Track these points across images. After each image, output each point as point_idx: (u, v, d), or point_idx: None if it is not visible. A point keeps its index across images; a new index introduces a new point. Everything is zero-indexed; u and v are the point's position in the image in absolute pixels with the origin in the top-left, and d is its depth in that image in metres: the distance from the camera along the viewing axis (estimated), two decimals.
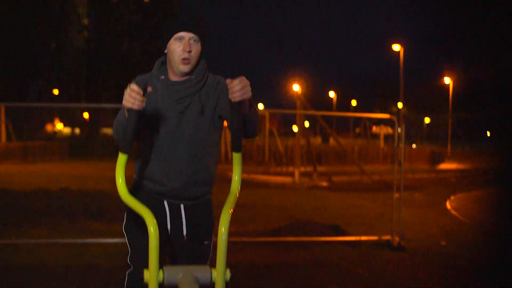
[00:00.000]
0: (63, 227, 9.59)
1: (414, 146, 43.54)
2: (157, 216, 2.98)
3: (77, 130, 54.51)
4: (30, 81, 46.97)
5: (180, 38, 3.28)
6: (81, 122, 51.22)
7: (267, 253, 8.15)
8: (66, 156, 31.97)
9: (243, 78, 2.94)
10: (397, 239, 8.91)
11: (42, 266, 7.01)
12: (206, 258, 3.52)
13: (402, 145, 9.39)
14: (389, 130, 42.19)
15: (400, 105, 52.67)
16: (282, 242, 8.78)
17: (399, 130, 9.53)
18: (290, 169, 24.42)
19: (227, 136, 29.82)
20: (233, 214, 2.91)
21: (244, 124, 3.08)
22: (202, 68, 3.40)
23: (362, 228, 10.44)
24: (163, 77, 3.37)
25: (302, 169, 22.46)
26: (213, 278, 2.81)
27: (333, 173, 23.19)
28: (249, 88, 2.93)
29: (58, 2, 44.55)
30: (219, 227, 2.83)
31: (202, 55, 3.39)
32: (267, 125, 31.12)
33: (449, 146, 46.62)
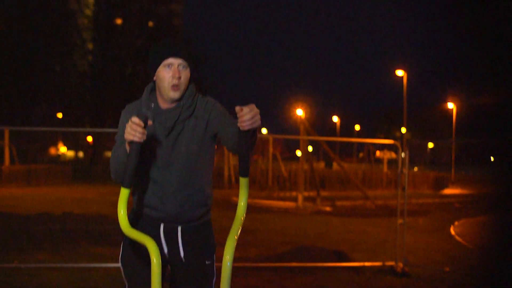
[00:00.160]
0: (66, 251, 9.57)
1: (415, 169, 43.44)
2: (154, 240, 2.98)
3: (80, 154, 54.56)
4: (34, 105, 47.17)
5: (169, 65, 3.29)
6: (84, 146, 51.28)
7: (270, 279, 8.11)
8: (69, 180, 31.88)
9: (253, 106, 2.90)
10: (401, 265, 8.86)
11: None
12: (210, 280, 3.48)
13: (406, 170, 9.38)
14: (393, 155, 42.13)
15: (403, 130, 52.70)
16: (285, 268, 8.74)
17: (402, 155, 9.53)
18: (294, 193, 24.36)
19: (230, 160, 29.85)
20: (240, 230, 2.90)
21: (249, 155, 3.08)
22: (192, 93, 3.39)
23: (365, 254, 10.38)
24: (153, 105, 3.36)
25: (306, 193, 22.41)
26: None
27: (336, 198, 23.13)
28: (259, 117, 2.89)
29: (62, 26, 44.86)
30: (224, 253, 2.82)
31: (191, 79, 3.39)
32: (271, 150, 31.12)
33: (453, 171, 46.50)
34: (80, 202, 18.48)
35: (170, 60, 3.28)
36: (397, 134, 76.73)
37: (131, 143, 2.92)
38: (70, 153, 56.27)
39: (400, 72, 45.49)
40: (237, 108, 2.88)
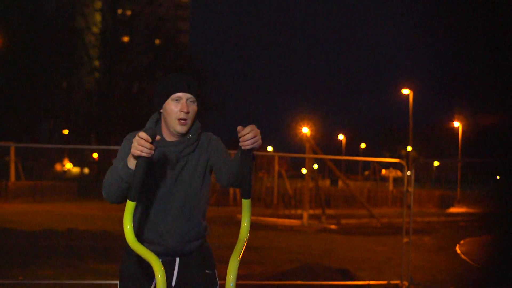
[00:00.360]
0: (71, 268, 9.56)
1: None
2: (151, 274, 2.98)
3: (86, 170, 54.68)
4: (41, 121, 47.37)
5: (178, 99, 3.29)
6: (90, 162, 51.41)
7: None
8: (74, 196, 31.99)
9: (254, 126, 2.95)
10: (406, 283, 8.82)
11: None
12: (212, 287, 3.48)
13: (411, 189, 9.36)
14: (398, 173, 42.11)
15: (409, 148, 52.65)
16: (290, 286, 8.70)
17: (408, 173, 9.51)
18: (299, 211, 24.33)
19: None
20: (241, 256, 2.90)
21: (251, 176, 3.09)
22: (197, 128, 3.41)
23: (371, 272, 10.34)
24: (159, 137, 3.36)
25: (311, 211, 22.38)
26: None
27: (341, 216, 23.09)
28: (259, 136, 2.95)
29: (70, 43, 45.14)
30: (227, 273, 2.81)
31: (197, 114, 3.41)
32: (276, 167, 31.11)
33: (458, 189, 46.39)
34: (85, 219, 18.51)
35: (179, 94, 3.29)
36: (403, 152, 76.62)
37: (138, 158, 2.92)
38: (76, 170, 56.42)
39: (406, 91, 45.53)
40: (239, 128, 2.94)
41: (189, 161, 3.35)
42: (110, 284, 8.10)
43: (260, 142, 2.95)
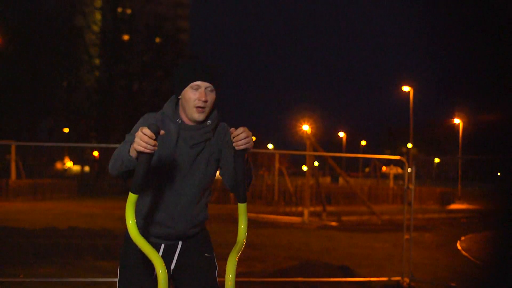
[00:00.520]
0: (71, 266, 9.57)
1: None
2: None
3: (86, 168, 54.65)
4: (41, 119, 47.35)
5: (197, 87, 3.30)
6: (90, 160, 51.36)
7: None
8: (75, 194, 31.98)
9: (246, 128, 3.03)
10: (407, 280, 8.82)
11: None
12: (212, 270, 3.49)
13: (412, 186, 9.36)
14: (399, 170, 42.08)
15: (409, 145, 52.65)
16: (290, 283, 8.70)
17: (408, 170, 9.51)
18: (299, 208, 24.34)
19: None
20: (241, 253, 2.91)
21: (246, 178, 3.11)
22: (216, 116, 3.43)
23: (371, 269, 10.35)
24: (179, 120, 3.36)
25: (311, 208, 22.38)
26: None
27: (342, 213, 23.09)
28: (251, 138, 3.03)
29: (70, 42, 45.12)
30: (226, 273, 2.82)
31: (216, 103, 3.42)
32: (277, 165, 31.12)
33: (459, 186, 46.38)
34: (86, 217, 18.51)
35: (198, 83, 3.30)
36: (403, 149, 76.63)
37: (140, 153, 2.91)
38: (76, 168, 56.38)
39: (406, 88, 45.53)
40: (232, 129, 3.01)
41: (206, 147, 3.37)
42: (111, 282, 8.10)
43: (252, 143, 3.03)
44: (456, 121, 54.01)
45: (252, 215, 20.11)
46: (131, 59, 47.02)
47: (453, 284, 9.19)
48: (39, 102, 43.80)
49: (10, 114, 42.60)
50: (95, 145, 29.84)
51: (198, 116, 3.30)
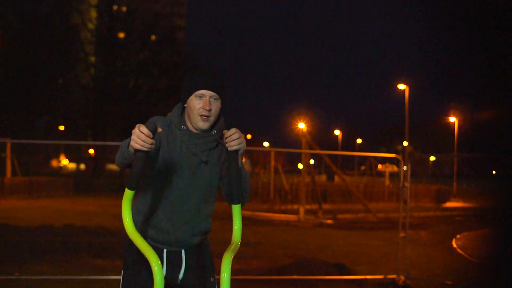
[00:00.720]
0: (67, 263, 9.55)
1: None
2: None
3: (82, 166, 54.61)
4: (37, 117, 47.28)
5: (201, 96, 3.29)
6: (86, 158, 51.34)
7: None
8: (70, 192, 31.96)
9: (238, 130, 3.08)
10: (402, 278, 8.84)
11: None
12: None
13: (407, 184, 9.38)
14: (395, 168, 42.15)
15: (405, 143, 52.72)
16: (286, 280, 8.72)
17: (404, 168, 9.53)
18: (295, 206, 24.35)
19: None
20: (237, 251, 2.92)
21: (240, 179, 3.12)
22: (221, 125, 3.43)
23: (367, 267, 10.36)
24: (184, 127, 3.36)
25: (307, 206, 22.40)
26: None
27: (338, 211, 23.12)
28: (244, 139, 3.06)
29: (66, 40, 45.02)
30: (221, 272, 2.83)
31: (221, 112, 3.42)
32: (272, 163, 31.14)
33: (454, 184, 46.50)
34: (82, 215, 18.50)
35: (203, 91, 3.30)
36: (399, 147, 76.73)
37: (137, 151, 2.91)
38: (72, 166, 56.33)
39: (402, 86, 45.57)
40: (224, 131, 3.07)
41: (210, 156, 3.37)
42: (106, 280, 8.10)
43: (244, 144, 3.07)
44: (452, 119, 54.12)
45: (248, 213, 20.11)
46: (127, 57, 46.97)
47: (448, 282, 9.22)
48: (35, 100, 43.74)
49: (5, 112, 42.56)
50: (91, 142, 29.83)
51: (203, 125, 3.30)
